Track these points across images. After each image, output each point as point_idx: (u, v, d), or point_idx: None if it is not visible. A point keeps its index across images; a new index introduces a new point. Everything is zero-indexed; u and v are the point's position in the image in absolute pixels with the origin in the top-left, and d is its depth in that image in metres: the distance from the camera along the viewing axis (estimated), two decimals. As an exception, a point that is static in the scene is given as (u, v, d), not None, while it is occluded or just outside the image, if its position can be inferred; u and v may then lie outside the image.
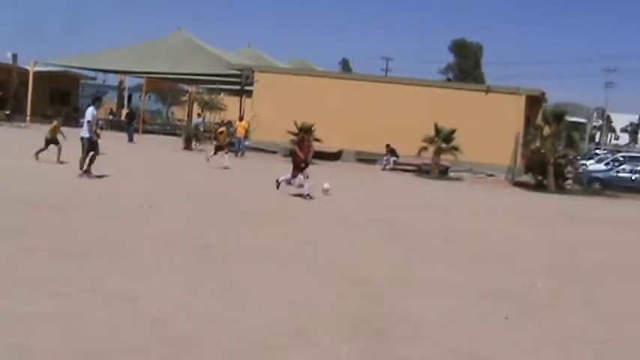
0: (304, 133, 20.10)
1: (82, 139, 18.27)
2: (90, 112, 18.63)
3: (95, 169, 18.04)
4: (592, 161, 42.18)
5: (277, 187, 18.70)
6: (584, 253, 13.94)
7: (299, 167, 18.64)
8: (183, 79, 53.26)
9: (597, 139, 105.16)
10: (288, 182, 18.75)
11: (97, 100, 20.74)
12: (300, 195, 18.08)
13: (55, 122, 21.72)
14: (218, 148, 25.95)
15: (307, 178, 18.40)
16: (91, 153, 18.13)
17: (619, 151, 55.48)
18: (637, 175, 31.96)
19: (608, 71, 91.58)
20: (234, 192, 19.15)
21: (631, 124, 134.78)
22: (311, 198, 17.83)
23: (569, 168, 31.42)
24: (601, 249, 14.75)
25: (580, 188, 30.68)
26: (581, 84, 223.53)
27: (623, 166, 34.61)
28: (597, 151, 59.82)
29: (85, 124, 18.52)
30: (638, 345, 7.58)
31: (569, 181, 31.23)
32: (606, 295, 9.96)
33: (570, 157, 31.45)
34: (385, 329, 7.10)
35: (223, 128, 28.46)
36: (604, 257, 13.55)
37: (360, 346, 6.51)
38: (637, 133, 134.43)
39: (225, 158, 25.44)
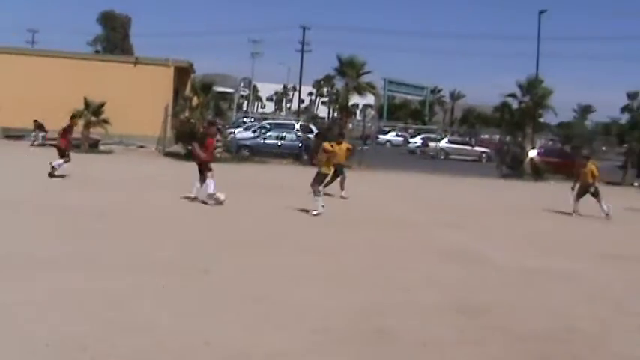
0: (209, 125, 17.19)
1: None
2: None
3: None
4: (240, 129, 44.41)
5: (194, 199, 16.17)
6: (232, 219, 14.49)
7: (207, 168, 16.25)
8: None
9: (245, 108, 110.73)
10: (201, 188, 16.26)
11: None
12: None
13: None
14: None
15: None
16: None
17: (265, 119, 59.13)
18: (282, 142, 34.49)
19: (253, 42, 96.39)
20: None
21: (276, 92, 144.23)
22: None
23: (219, 137, 32.86)
24: (255, 215, 15.26)
25: (229, 156, 32.36)
26: (228, 55, 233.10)
27: (269, 133, 37.24)
28: (245, 119, 62.84)
29: None
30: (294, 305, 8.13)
31: (219, 149, 32.70)
32: (257, 259, 10.41)
33: (219, 126, 32.89)
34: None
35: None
36: (254, 224, 14.17)
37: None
38: (282, 101, 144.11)
39: None
